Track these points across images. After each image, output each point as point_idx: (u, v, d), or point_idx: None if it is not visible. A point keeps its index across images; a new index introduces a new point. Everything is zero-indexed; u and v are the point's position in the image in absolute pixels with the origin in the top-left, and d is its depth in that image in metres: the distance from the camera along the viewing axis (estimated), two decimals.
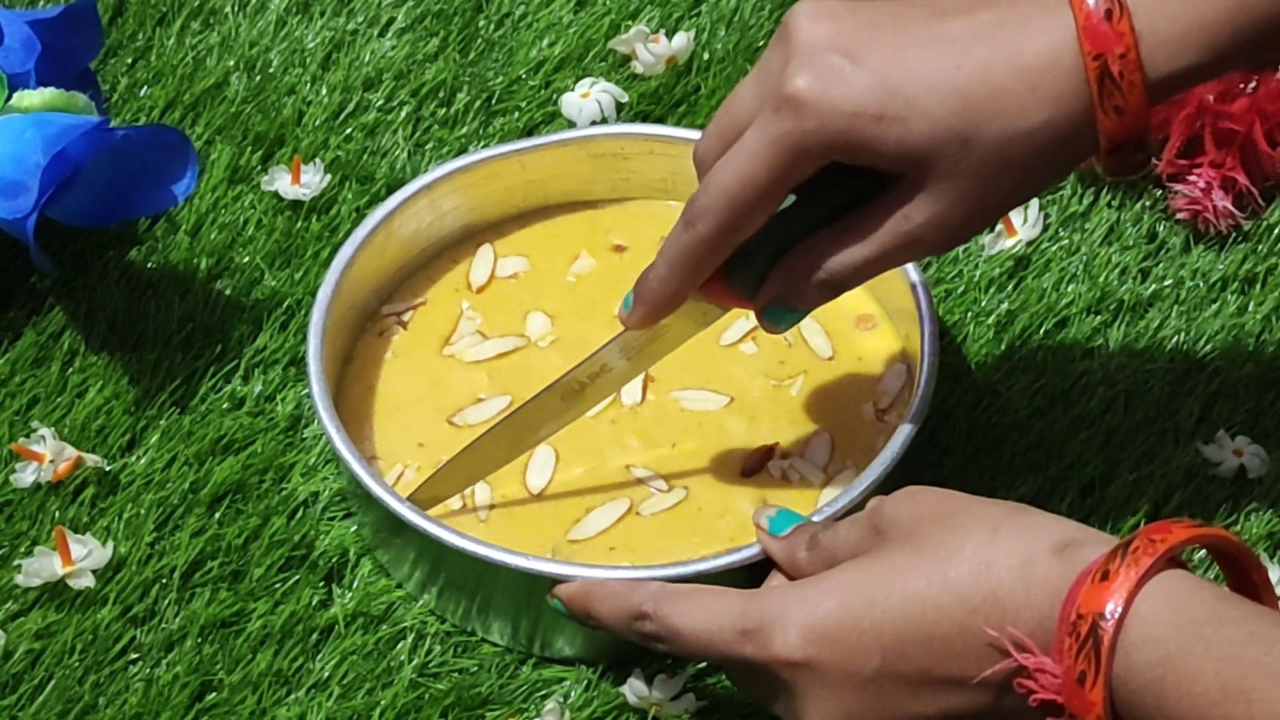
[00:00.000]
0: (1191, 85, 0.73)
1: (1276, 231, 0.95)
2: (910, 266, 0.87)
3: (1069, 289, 0.93)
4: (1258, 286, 0.94)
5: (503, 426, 0.83)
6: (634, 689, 0.80)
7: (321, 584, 0.85)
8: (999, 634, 0.66)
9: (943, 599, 0.67)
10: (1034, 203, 0.95)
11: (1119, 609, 0.63)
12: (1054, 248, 0.95)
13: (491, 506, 0.85)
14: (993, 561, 0.67)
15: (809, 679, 0.69)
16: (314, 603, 0.84)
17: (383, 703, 0.81)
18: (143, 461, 0.88)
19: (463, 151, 0.99)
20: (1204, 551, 0.82)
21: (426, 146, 1.00)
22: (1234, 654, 0.62)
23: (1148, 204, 0.96)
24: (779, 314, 0.77)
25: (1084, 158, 0.73)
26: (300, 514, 0.87)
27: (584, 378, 0.83)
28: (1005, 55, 0.71)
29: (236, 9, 1.06)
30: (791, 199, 0.76)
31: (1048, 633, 0.66)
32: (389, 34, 1.05)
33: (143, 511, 0.86)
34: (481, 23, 1.05)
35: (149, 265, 0.95)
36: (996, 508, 0.70)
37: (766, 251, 0.75)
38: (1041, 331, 0.92)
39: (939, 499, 0.71)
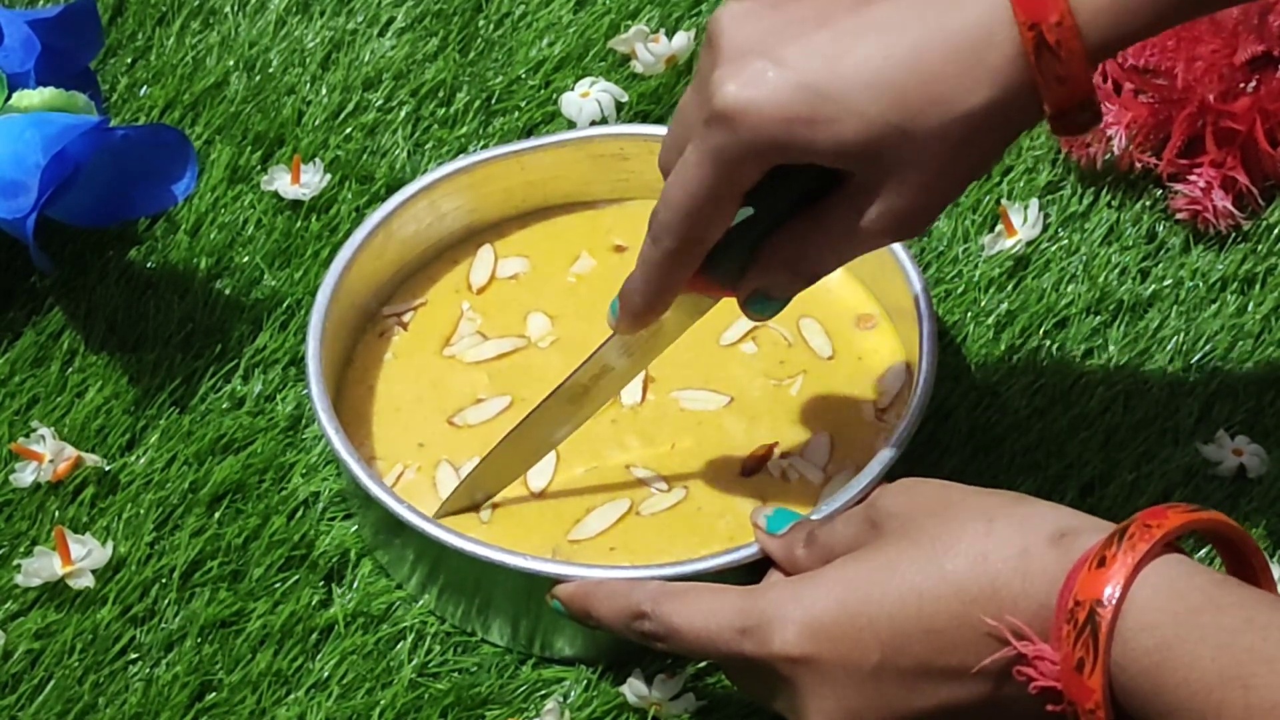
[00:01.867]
0: (1132, 44, 0.71)
1: (1276, 231, 0.95)
2: (910, 267, 0.87)
3: (1069, 289, 0.93)
4: (1258, 286, 0.94)
5: (513, 437, 0.83)
6: (634, 689, 0.80)
7: (321, 584, 0.84)
8: (997, 623, 0.66)
9: (940, 591, 0.67)
10: (1034, 202, 0.95)
11: (1116, 595, 0.63)
12: (1054, 248, 0.95)
13: (493, 506, 0.85)
14: (989, 552, 0.67)
15: (808, 675, 0.69)
16: (314, 603, 0.84)
17: (383, 703, 0.81)
18: (142, 461, 0.88)
19: (462, 151, 0.99)
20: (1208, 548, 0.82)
21: (426, 146, 1.00)
22: (1230, 640, 0.62)
23: (1148, 204, 0.96)
24: (761, 304, 0.77)
25: (1030, 126, 0.72)
26: (300, 514, 0.87)
27: (586, 380, 0.82)
28: (935, 37, 0.69)
29: (236, 9, 1.06)
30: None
31: (1045, 621, 0.66)
32: (389, 34, 1.05)
33: (142, 511, 0.86)
34: (481, 22, 1.05)
35: (149, 265, 0.95)
36: (992, 498, 0.70)
37: (739, 247, 0.75)
38: (1041, 331, 0.92)
39: (935, 491, 0.71)
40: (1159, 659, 0.63)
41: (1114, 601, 0.63)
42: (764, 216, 0.75)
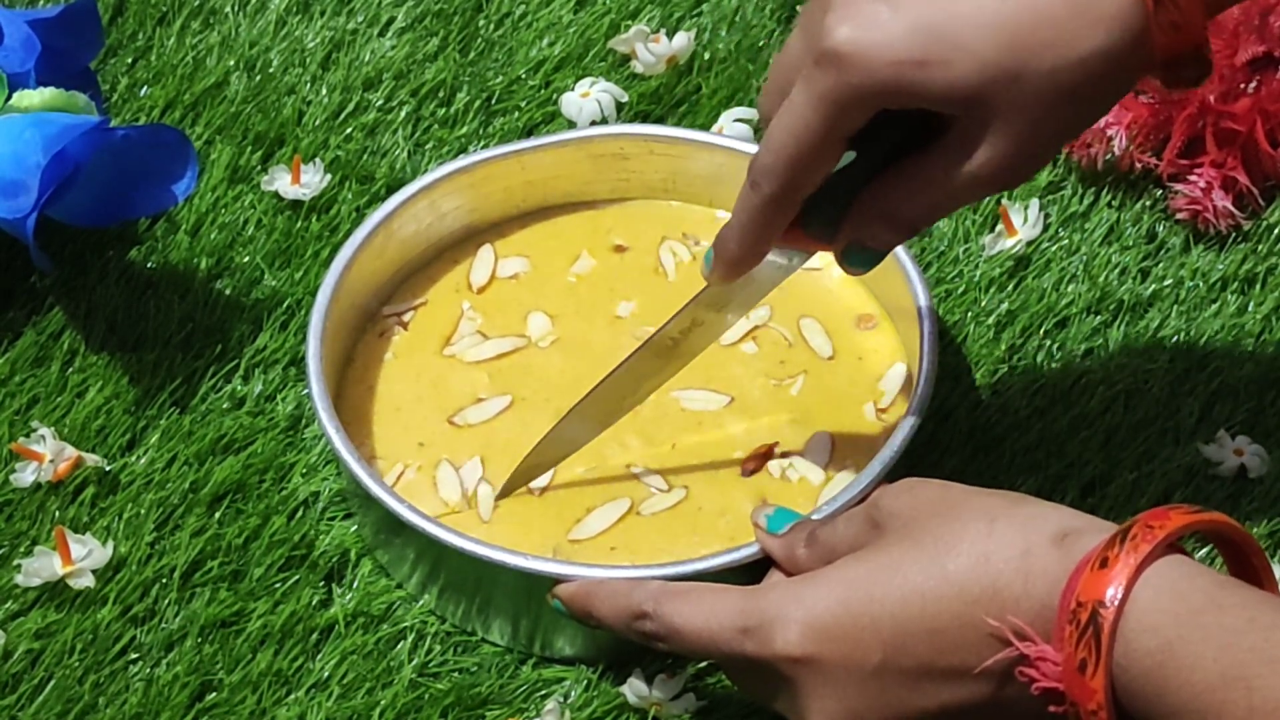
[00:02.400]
0: None
1: (1276, 231, 0.95)
2: (910, 267, 0.87)
3: (1069, 289, 0.93)
4: (1258, 286, 0.94)
5: (599, 391, 0.83)
6: (634, 689, 0.80)
7: (321, 584, 0.84)
8: (999, 624, 0.66)
9: (942, 592, 0.67)
10: (1034, 202, 0.95)
11: (1119, 596, 0.63)
12: (1054, 248, 0.95)
13: (494, 505, 0.85)
14: (991, 553, 0.67)
15: (811, 676, 0.69)
16: (314, 603, 0.84)
17: (383, 703, 0.81)
18: (143, 461, 0.88)
19: (463, 151, 0.99)
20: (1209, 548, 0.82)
21: (426, 146, 1.00)
22: (1233, 641, 0.62)
23: (1148, 204, 0.96)
24: (858, 256, 0.76)
25: (1141, 77, 0.71)
26: (300, 514, 0.87)
27: (676, 333, 0.82)
28: None
29: (236, 9, 1.06)
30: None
31: (1047, 622, 0.66)
32: (389, 34, 1.05)
33: (143, 511, 0.86)
34: (481, 22, 1.05)
35: (149, 265, 0.95)
36: (994, 498, 0.70)
37: (837, 197, 0.74)
38: (1041, 331, 0.92)
39: (937, 491, 0.71)
40: (1161, 660, 0.63)
41: (1116, 602, 0.63)
42: (863, 165, 0.74)
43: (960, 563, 0.67)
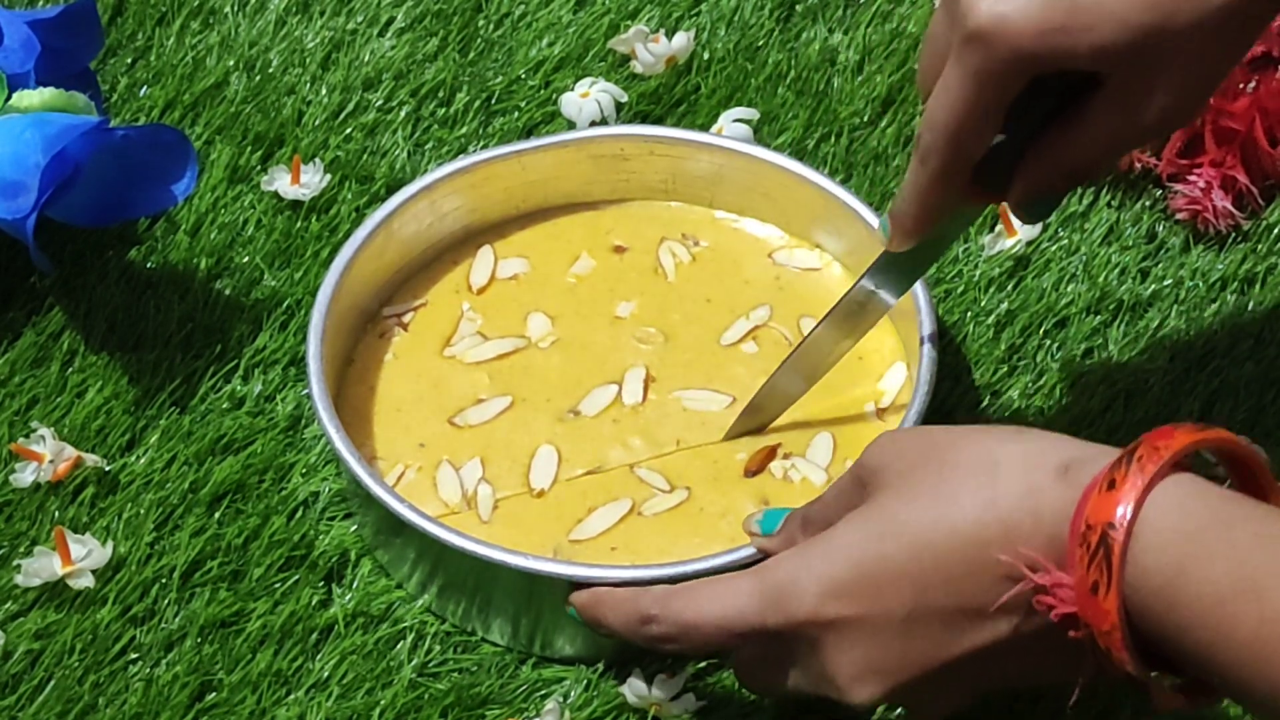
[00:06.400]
0: None
1: (1276, 231, 0.95)
2: None
3: (1069, 289, 0.93)
4: (1258, 286, 0.94)
5: (794, 358, 0.85)
6: (634, 689, 0.80)
7: (321, 584, 0.84)
8: (1012, 559, 0.66)
9: (953, 540, 0.67)
10: None
11: (1128, 515, 0.63)
12: (1054, 248, 0.95)
13: (494, 506, 0.85)
14: (998, 498, 0.67)
15: (834, 636, 0.69)
16: (314, 603, 0.84)
17: (382, 703, 0.81)
18: (142, 461, 0.88)
19: (462, 151, 0.99)
20: None
21: (426, 146, 1.00)
22: (1242, 556, 0.62)
23: (1148, 204, 0.97)
24: (1034, 208, 0.77)
25: None
26: (300, 514, 0.87)
27: (861, 297, 0.84)
28: None
29: (236, 9, 1.06)
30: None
31: (1059, 551, 0.65)
32: (389, 34, 1.05)
33: (142, 511, 0.86)
34: (481, 22, 1.05)
35: (149, 265, 0.95)
36: (988, 438, 0.69)
37: (1006, 155, 0.76)
38: (1041, 331, 0.92)
39: (920, 438, 0.71)
40: (1171, 577, 0.63)
41: (1126, 522, 0.63)
42: (1026, 124, 0.75)
43: (967, 511, 0.67)
